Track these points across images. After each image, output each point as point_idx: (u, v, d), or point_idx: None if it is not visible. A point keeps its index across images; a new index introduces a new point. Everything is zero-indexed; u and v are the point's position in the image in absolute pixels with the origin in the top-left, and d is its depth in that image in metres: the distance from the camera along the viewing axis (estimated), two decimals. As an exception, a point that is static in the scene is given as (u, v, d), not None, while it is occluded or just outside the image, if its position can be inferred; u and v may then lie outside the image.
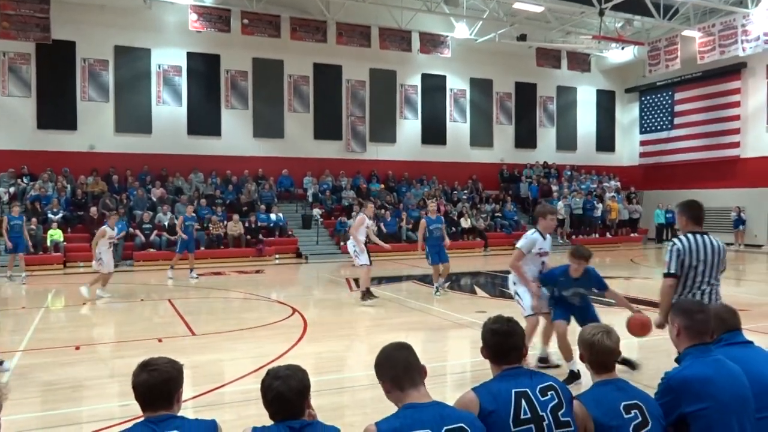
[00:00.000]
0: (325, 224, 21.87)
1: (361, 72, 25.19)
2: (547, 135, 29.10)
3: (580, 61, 27.11)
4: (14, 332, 8.95)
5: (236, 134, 23.30)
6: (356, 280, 11.69)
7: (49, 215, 18.36)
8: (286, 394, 2.47)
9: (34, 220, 17.54)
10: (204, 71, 22.90)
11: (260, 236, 19.94)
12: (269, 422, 2.51)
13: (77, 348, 7.81)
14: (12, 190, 19.35)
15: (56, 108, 20.82)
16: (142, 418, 2.56)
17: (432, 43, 24.22)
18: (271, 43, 22.40)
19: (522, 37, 24.46)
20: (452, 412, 2.50)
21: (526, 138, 28.53)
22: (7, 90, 20.35)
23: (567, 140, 29.46)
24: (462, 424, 2.43)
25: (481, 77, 27.36)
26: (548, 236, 6.57)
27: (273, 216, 20.98)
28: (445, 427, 2.39)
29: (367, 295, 10.95)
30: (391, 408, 2.60)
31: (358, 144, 25.28)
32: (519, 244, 6.49)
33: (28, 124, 20.55)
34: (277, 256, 19.86)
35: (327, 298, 12.94)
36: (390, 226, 21.55)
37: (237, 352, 7.67)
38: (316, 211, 22.09)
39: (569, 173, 27.83)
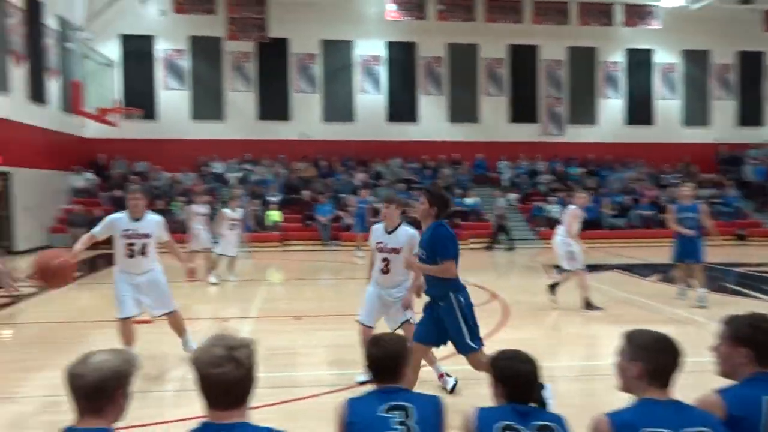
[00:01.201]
0: (520, 209, 21.51)
1: (558, 51, 24.20)
2: (778, 110, 25.54)
3: (824, 23, 23.29)
4: (244, 301, 10.13)
5: (432, 120, 23.80)
6: (553, 286, 9.40)
7: (268, 198, 20.39)
8: (521, 378, 2.50)
9: (256, 201, 19.63)
10: (401, 59, 23.67)
11: (456, 220, 20.18)
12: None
13: (297, 318, 8.60)
14: (239, 175, 21.80)
15: (273, 100, 23.00)
16: (368, 388, 2.73)
17: (638, 14, 22.47)
18: (465, 28, 22.44)
19: (746, 0, 21.65)
20: (694, 412, 2.32)
21: (750, 114, 25.31)
22: (233, 85, 22.93)
23: (804, 115, 25.59)
24: (705, 428, 2.24)
25: (695, 48, 24.78)
26: None
27: (469, 200, 21.14)
28: (685, 429, 2.21)
29: (589, 305, 9.02)
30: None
31: (556, 126, 24.40)
32: None
33: (250, 115, 22.98)
34: (471, 239, 19.98)
35: (525, 283, 12.75)
36: (591, 212, 20.51)
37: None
38: (512, 196, 21.79)
39: (806, 153, 24.17)
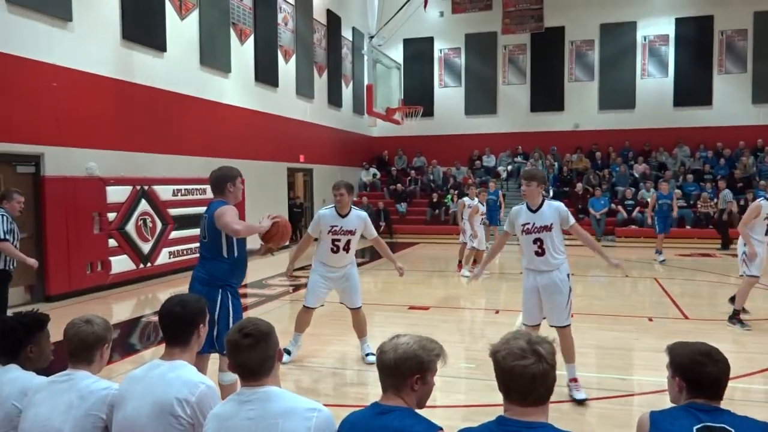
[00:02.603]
0: None
1: None
2: None
3: None
4: (508, 293, 10.07)
5: (730, 102, 20.84)
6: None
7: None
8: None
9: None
10: (694, 36, 21.16)
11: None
12: None
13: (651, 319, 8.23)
14: (510, 167, 21.84)
15: (546, 91, 22.49)
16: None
17: None
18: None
19: None
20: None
21: None
22: (507, 79, 23.00)
23: None
24: None
25: None
26: None
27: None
28: None
29: (737, 317, 7.60)
30: None
31: None
32: None
33: (522, 108, 22.82)
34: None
35: None
36: None
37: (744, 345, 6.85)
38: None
39: None
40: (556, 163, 21.53)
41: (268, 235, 4.49)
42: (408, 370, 2.17)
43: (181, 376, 2.47)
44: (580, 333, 7.38)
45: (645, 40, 21.68)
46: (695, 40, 21.18)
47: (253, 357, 2.26)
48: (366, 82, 16.92)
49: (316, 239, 6.24)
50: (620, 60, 21.86)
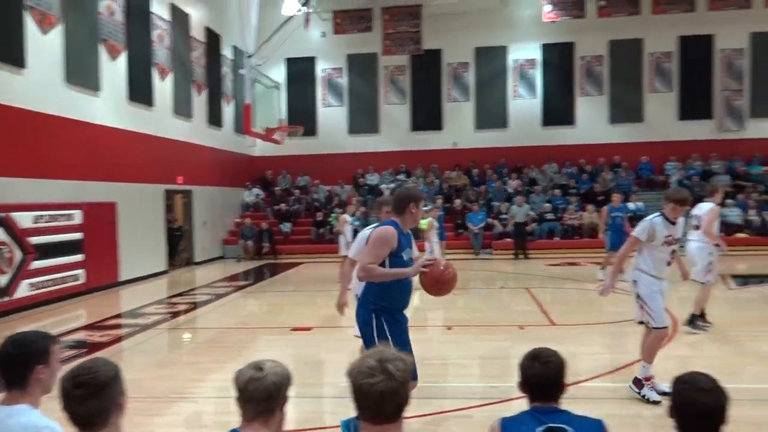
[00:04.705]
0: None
1: (739, 39, 21.82)
2: None
3: None
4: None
5: (591, 121, 22.62)
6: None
7: (422, 207, 20.56)
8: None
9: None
10: (558, 61, 22.81)
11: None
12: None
13: (449, 328, 8.56)
14: (392, 185, 22.31)
15: (426, 111, 23.28)
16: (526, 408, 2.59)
17: (838, -11, 19.62)
18: (628, 22, 21.06)
19: None
20: None
21: None
22: (388, 99, 23.58)
23: None
24: None
25: None
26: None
27: (631, 205, 19.74)
28: None
29: (698, 320, 7.99)
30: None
31: (734, 121, 22.01)
32: None
33: (404, 127, 23.45)
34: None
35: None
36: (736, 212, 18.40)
37: (596, 347, 7.41)
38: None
39: None
40: (437, 181, 22.28)
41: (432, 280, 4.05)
42: (282, 395, 2.21)
43: (20, 422, 2.31)
44: (461, 344, 7.71)
45: (515, 63, 23.07)
46: (559, 65, 22.84)
47: (84, 408, 2.12)
48: (246, 102, 16.68)
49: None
50: (494, 82, 23.10)
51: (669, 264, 5.55)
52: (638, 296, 5.52)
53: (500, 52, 22.99)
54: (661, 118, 22.21)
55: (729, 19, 20.70)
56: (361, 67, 23.55)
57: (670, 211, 5.50)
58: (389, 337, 3.98)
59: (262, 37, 17.67)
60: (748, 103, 21.93)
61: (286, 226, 20.66)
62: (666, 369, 5.27)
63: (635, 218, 19.37)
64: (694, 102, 22.11)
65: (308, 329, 8.81)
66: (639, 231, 5.56)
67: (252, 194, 22.36)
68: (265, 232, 19.69)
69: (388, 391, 1.97)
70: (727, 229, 18.06)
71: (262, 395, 2.16)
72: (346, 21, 22.19)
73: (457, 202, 20.36)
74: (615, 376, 6.02)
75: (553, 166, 22.39)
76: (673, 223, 5.52)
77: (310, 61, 23.63)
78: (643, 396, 5.24)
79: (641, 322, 5.62)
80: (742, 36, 21.77)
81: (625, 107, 22.41)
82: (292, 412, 4.83)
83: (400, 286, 4.11)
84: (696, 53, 22.06)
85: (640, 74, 22.40)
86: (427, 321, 9.42)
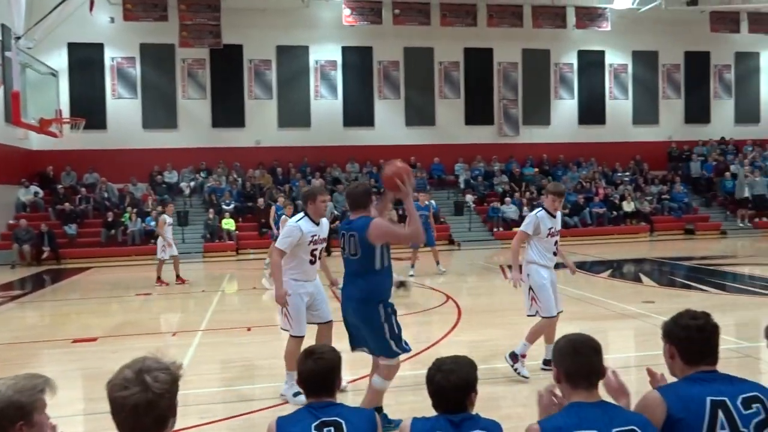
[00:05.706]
0: (477, 210, 21.70)
1: (513, 54, 24.50)
2: (723, 108, 26.34)
3: (765, 22, 24.11)
4: (194, 313, 9.90)
5: (389, 124, 23.79)
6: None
7: (223, 206, 20.05)
8: (445, 389, 2.45)
9: (211, 210, 19.30)
10: (357, 64, 23.61)
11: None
12: (430, 410, 2.52)
13: (249, 329, 8.44)
14: (192, 183, 21.39)
15: (227, 107, 22.66)
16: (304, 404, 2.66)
17: (589, 16, 22.96)
18: (421, 32, 22.55)
19: (693, 1, 22.32)
20: (621, 412, 2.31)
21: (697, 112, 26.05)
22: (186, 93, 22.51)
23: (748, 112, 26.43)
24: (633, 427, 2.23)
25: (644, 49, 25.36)
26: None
27: (433, 202, 21.18)
28: (615, 429, 2.19)
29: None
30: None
31: (511, 128, 24.66)
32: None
33: (204, 123, 22.58)
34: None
35: (481, 285, 12.82)
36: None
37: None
38: (469, 198, 21.95)
39: (750, 148, 24.97)
40: (239, 179, 21.81)
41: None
42: (9, 420, 1.92)
43: None
44: (260, 345, 7.60)
45: (317, 63, 23.42)
46: (359, 68, 23.66)
47: None
48: (13, 89, 14.71)
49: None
50: (296, 81, 23.21)
51: (555, 254, 6.00)
52: (531, 288, 5.91)
53: (302, 51, 23.17)
54: (451, 123, 24.11)
55: (504, 35, 23.14)
56: (157, 57, 22.20)
57: (550, 203, 5.92)
58: (397, 323, 4.38)
59: (36, 16, 15.76)
60: (520, 112, 24.69)
61: (71, 228, 18.74)
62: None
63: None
64: (478, 109, 24.34)
65: (94, 340, 8.09)
66: (525, 225, 5.92)
67: (29, 192, 19.94)
68: (45, 235, 17.69)
69: (143, 404, 1.83)
70: (505, 224, 20.47)
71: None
72: (138, 8, 20.82)
73: (260, 200, 20.11)
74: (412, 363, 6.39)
75: (355, 165, 23.14)
76: (554, 216, 5.92)
77: (97, 48, 21.72)
78: (515, 369, 5.77)
79: (531, 315, 6.06)
80: (516, 51, 24.46)
81: (419, 111, 23.94)
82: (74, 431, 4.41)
83: (391, 274, 4.47)
84: (478, 64, 24.29)
85: (432, 81, 24.07)
86: (228, 323, 9.18)
